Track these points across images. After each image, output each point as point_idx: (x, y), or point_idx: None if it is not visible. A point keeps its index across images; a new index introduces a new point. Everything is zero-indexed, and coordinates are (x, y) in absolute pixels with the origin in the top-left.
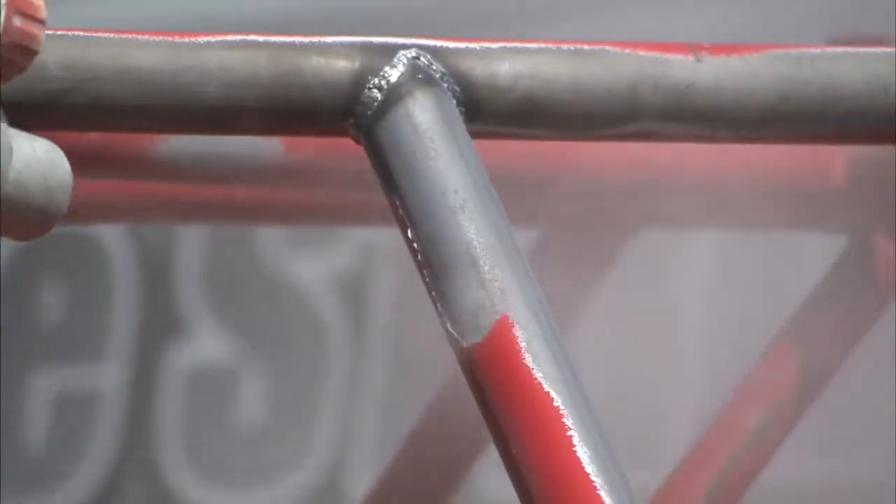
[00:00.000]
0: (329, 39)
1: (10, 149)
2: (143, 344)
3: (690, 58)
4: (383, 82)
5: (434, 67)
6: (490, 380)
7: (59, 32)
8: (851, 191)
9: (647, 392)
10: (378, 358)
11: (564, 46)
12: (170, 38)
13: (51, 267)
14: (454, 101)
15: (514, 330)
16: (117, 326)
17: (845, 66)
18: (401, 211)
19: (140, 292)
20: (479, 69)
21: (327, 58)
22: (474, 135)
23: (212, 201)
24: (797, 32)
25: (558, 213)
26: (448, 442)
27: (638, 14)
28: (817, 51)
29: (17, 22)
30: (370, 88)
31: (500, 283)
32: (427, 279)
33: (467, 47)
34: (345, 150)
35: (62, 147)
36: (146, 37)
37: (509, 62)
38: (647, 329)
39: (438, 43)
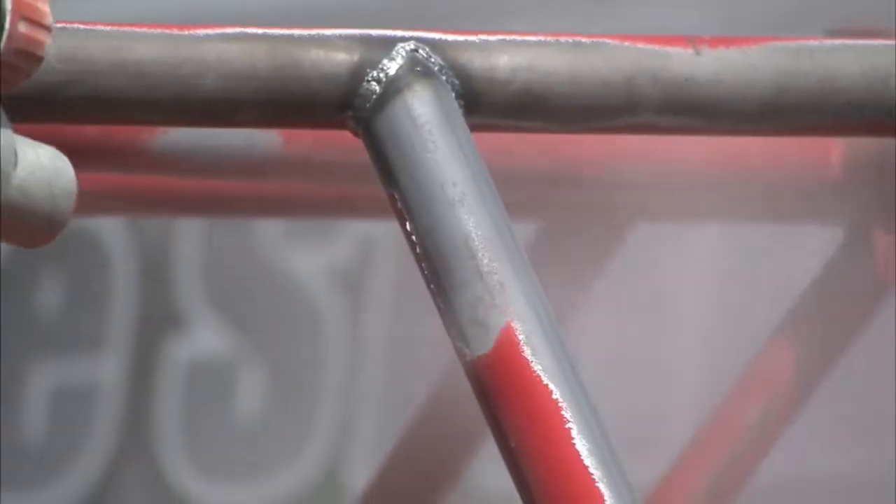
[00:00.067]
0: (327, 32)
1: (15, 154)
2: (141, 337)
3: (689, 50)
4: (382, 75)
5: (433, 60)
6: (487, 371)
7: (57, 25)
8: (849, 183)
9: (646, 385)
10: (377, 351)
11: (563, 39)
12: (168, 31)
13: (49, 260)
14: (453, 94)
15: (512, 323)
16: (116, 320)
17: (844, 59)
18: (399, 204)
19: (139, 286)
20: (477, 62)
21: (326, 50)
22: (473, 127)
23: (210, 194)
24: (796, 25)
25: (557, 206)
26: (447, 435)
27: (637, 12)
28: (816, 43)
29: (23, 28)
30: (369, 81)
31: (498, 275)
32: (426, 272)
33: (466, 40)
34: (343, 143)
35: (61, 140)
36: (144, 30)
37: (508, 55)
38: (645, 322)
39: (437, 36)
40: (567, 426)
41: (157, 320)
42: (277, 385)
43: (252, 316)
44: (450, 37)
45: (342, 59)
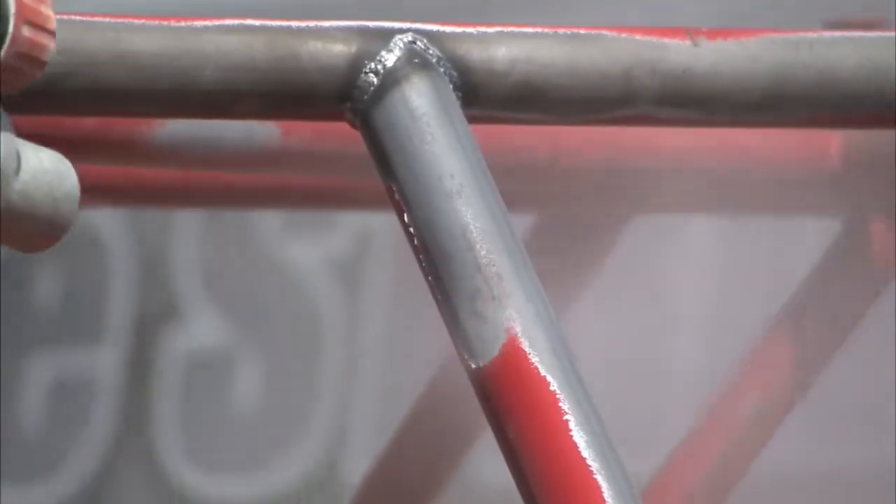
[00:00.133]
0: (326, 24)
1: (18, 158)
2: (139, 330)
3: (687, 42)
4: (380, 67)
5: (431, 52)
6: (485, 364)
7: (56, 17)
8: (847, 174)
9: (643, 378)
10: (374, 344)
11: (561, 31)
12: (167, 23)
13: (47, 253)
14: (451, 86)
15: (510, 314)
16: (114, 311)
17: (842, 51)
18: (397, 195)
19: (137, 278)
20: (475, 53)
21: (324, 42)
22: (471, 119)
23: (208, 186)
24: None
25: (554, 197)
26: (444, 428)
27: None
28: (814, 35)
29: (26, 32)
30: (367, 73)
31: (496, 267)
32: (423, 264)
33: (464, 32)
34: (341, 135)
35: (60, 132)
36: (143, 21)
37: (506, 46)
38: (642, 315)
39: (435, 27)
40: (565, 418)
41: (155, 313)
42: (275, 377)
43: (250, 308)
44: (448, 28)
45: (340, 50)
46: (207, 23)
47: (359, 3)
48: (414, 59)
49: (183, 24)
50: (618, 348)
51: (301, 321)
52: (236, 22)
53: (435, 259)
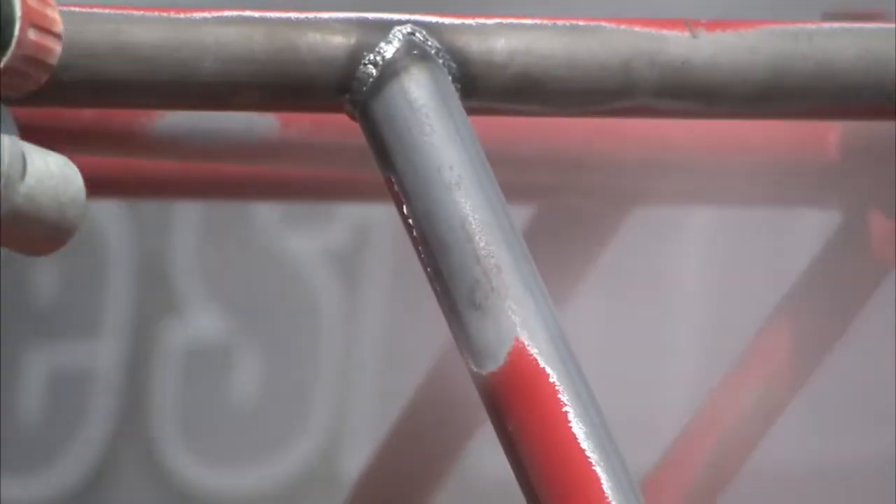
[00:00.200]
0: (325, 15)
1: (24, 162)
2: (138, 322)
3: (686, 34)
4: (379, 58)
5: (430, 43)
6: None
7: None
8: (846, 166)
9: (643, 369)
10: (373, 335)
11: (560, 22)
12: (166, 14)
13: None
14: (450, 77)
15: (506, 302)
16: (113, 304)
17: (841, 42)
18: (396, 187)
19: (135, 269)
20: (474, 45)
21: (323, 34)
22: (470, 111)
23: (207, 177)
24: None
25: (553, 189)
26: (443, 420)
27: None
28: (813, 27)
29: (32, 35)
30: (365, 64)
31: (495, 259)
32: (422, 255)
33: (463, 23)
34: (340, 127)
35: (59, 123)
36: (142, 13)
37: (505, 38)
38: (641, 306)
39: (434, 19)
40: (564, 410)
41: (154, 304)
42: (274, 369)
43: (248, 300)
44: (447, 20)
45: (339, 42)
46: (206, 14)
47: None
48: (413, 51)
49: (182, 15)
50: (617, 340)
51: (300, 313)
52: (235, 14)
53: (434, 251)
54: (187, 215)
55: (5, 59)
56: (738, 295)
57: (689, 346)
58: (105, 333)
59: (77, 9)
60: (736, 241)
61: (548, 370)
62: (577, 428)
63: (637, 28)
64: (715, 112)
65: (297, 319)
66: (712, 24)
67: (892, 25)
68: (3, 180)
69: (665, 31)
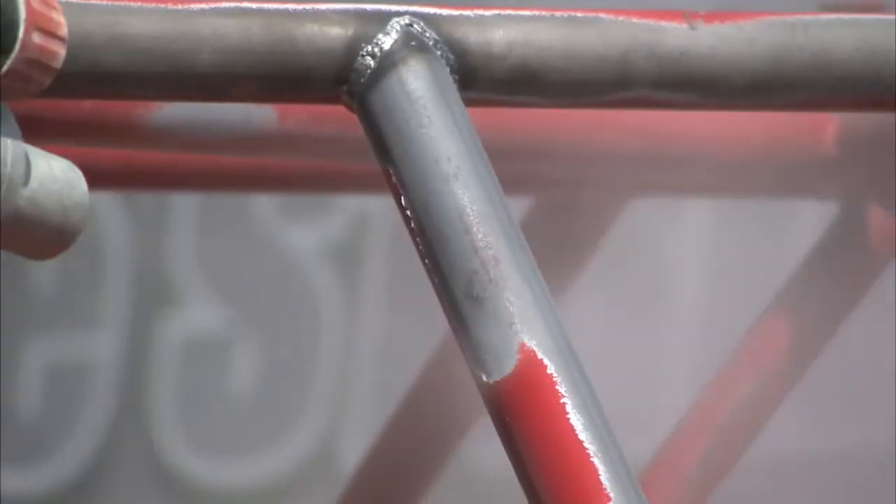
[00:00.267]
0: (322, 7)
1: (28, 166)
2: (136, 313)
3: (684, 25)
4: (376, 49)
5: (427, 35)
6: (471, 333)
7: None
8: (843, 158)
9: (640, 361)
10: (371, 327)
11: (558, 14)
12: (163, 6)
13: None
14: (448, 69)
15: (504, 294)
16: (111, 295)
17: (838, 33)
18: (394, 178)
19: (133, 261)
20: (472, 36)
21: (321, 25)
22: (468, 102)
23: (205, 169)
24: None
25: (551, 181)
26: (441, 411)
27: None
28: (811, 18)
29: (37, 38)
30: (363, 56)
31: (493, 250)
32: (420, 247)
33: (461, 15)
34: (338, 118)
35: (57, 114)
36: (140, 4)
37: (503, 29)
38: (639, 298)
39: (432, 10)
40: (562, 401)
41: (152, 295)
42: (272, 360)
43: (246, 291)
44: (445, 11)
45: (337, 33)
46: (204, 5)
47: None
48: (411, 42)
49: (179, 6)
50: (614, 331)
51: (298, 304)
52: (232, 5)
53: (432, 242)
54: (185, 206)
55: (9, 61)
56: (736, 286)
57: (687, 337)
58: (104, 325)
59: (75, 0)
60: (734, 233)
61: (545, 361)
62: (575, 419)
63: (635, 19)
64: (713, 103)
65: (296, 311)
66: (710, 16)
67: (889, 16)
68: (5, 183)
69: (663, 23)
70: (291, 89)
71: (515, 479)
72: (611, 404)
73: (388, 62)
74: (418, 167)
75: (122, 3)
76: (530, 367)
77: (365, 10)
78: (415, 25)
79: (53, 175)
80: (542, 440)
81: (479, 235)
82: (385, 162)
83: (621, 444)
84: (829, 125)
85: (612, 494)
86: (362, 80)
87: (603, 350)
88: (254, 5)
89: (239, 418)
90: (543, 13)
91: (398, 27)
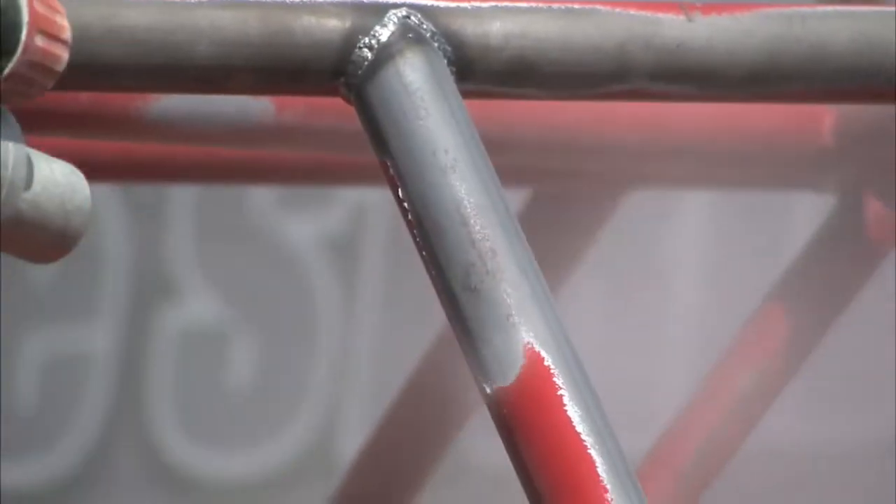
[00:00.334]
0: None
1: (31, 169)
2: (134, 306)
3: (682, 17)
4: (374, 41)
5: (425, 27)
6: (469, 325)
7: None
8: (841, 150)
9: (638, 353)
10: (369, 319)
11: (555, 6)
12: None
13: None
14: (445, 61)
15: (502, 286)
16: (108, 288)
17: (835, 25)
18: (391, 170)
19: (131, 253)
20: (470, 28)
21: (318, 17)
22: (465, 94)
23: (203, 161)
24: None
25: (549, 173)
26: (438, 403)
27: None
28: (808, 10)
29: (40, 41)
30: (360, 48)
31: (490, 242)
32: (418, 239)
33: (458, 6)
34: (336, 110)
35: (55, 107)
36: None
37: (500, 21)
38: (636, 290)
39: (429, 2)
40: (559, 393)
41: (150, 287)
42: (269, 353)
43: (245, 284)
44: (442, 3)
45: (334, 25)
46: None
47: None
48: (408, 34)
49: None
50: (611, 323)
51: (296, 296)
52: None
53: (429, 234)
54: (183, 198)
55: (11, 64)
56: (733, 278)
57: (684, 329)
58: (101, 317)
59: None
60: (731, 225)
61: (542, 353)
62: (572, 411)
63: (632, 11)
64: (710, 95)
65: (294, 302)
66: (707, 8)
67: (886, 8)
68: (5, 186)
69: (660, 15)
70: (289, 81)
71: (510, 470)
72: (608, 396)
73: (385, 54)
74: (415, 159)
75: None
76: (527, 358)
77: (362, 2)
78: (412, 17)
79: (55, 179)
80: (539, 431)
81: (477, 227)
82: (382, 154)
83: (618, 436)
84: (826, 117)
85: (609, 486)
86: (359, 72)
87: (600, 342)
88: None
89: (236, 410)
90: (540, 5)
91: (395, 19)
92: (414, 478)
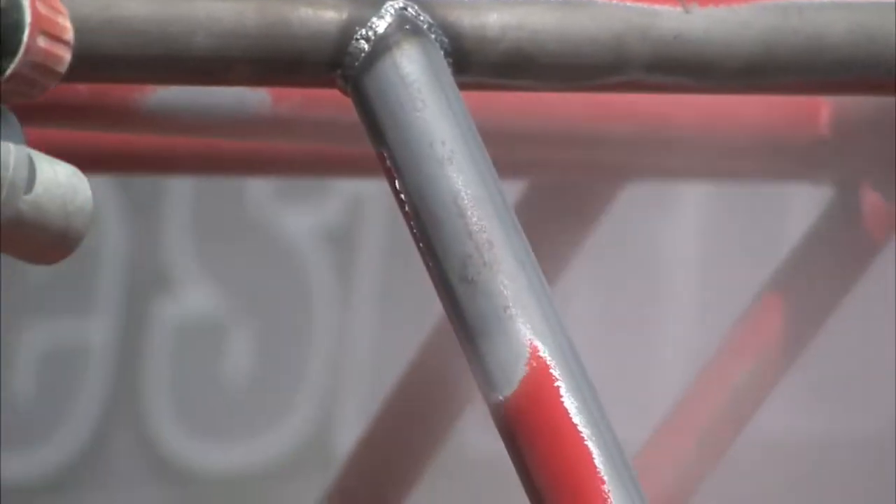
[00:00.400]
0: None
1: (32, 170)
2: (131, 298)
3: (679, 9)
4: (371, 33)
5: (422, 18)
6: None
7: None
8: (837, 141)
9: (634, 345)
10: (366, 311)
11: None
12: None
13: None
14: (442, 53)
15: (499, 277)
16: (105, 280)
17: (833, 16)
18: (388, 162)
19: (128, 245)
20: (467, 20)
21: (315, 8)
22: (462, 86)
23: (200, 153)
24: None
25: (546, 164)
26: (435, 395)
27: None
28: (805, 1)
29: (42, 42)
30: (357, 39)
31: (487, 234)
32: (415, 230)
33: None
34: (333, 102)
35: (52, 99)
36: None
37: (497, 13)
38: (633, 282)
39: None
40: (556, 385)
41: (147, 280)
42: (267, 345)
43: (241, 276)
44: None
45: (331, 17)
46: None
47: None
48: (405, 26)
49: None
50: (608, 314)
51: (293, 288)
52: None
53: (426, 225)
54: (180, 190)
55: (13, 65)
56: (730, 270)
57: (681, 321)
58: (98, 310)
59: None
60: (728, 216)
61: (538, 345)
62: (569, 402)
63: (629, 3)
64: (707, 87)
65: (291, 294)
66: None
67: (883, 0)
68: (6, 187)
69: (657, 6)
70: (286, 73)
71: (505, 460)
72: (605, 388)
73: (382, 46)
74: (412, 151)
75: None
76: (525, 350)
77: None
78: (409, 9)
79: (57, 180)
80: (536, 423)
81: (474, 219)
82: (379, 145)
83: (615, 428)
84: (823, 109)
85: (606, 478)
86: (356, 63)
87: (597, 334)
88: None
89: (233, 402)
90: None
91: (392, 10)
92: (411, 469)
